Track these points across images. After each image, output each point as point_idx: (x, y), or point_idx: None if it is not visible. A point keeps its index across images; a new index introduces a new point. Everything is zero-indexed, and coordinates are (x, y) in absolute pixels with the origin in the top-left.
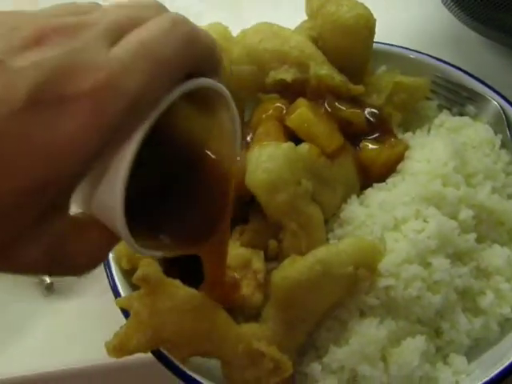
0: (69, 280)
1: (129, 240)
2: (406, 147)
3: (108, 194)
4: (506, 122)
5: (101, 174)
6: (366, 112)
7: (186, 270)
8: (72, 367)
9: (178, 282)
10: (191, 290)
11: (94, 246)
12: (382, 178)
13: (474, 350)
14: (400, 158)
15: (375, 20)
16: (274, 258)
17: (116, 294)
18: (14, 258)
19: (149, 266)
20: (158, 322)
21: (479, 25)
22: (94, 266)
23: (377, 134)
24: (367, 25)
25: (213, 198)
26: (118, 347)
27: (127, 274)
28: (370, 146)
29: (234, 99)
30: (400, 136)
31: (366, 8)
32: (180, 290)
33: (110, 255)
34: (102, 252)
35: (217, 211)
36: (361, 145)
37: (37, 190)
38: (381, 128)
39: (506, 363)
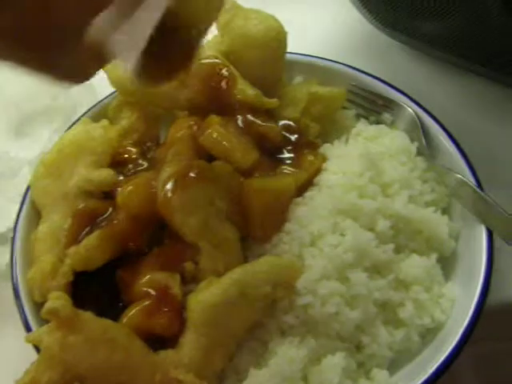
0: None
1: None
2: (324, 161)
3: None
4: (421, 129)
5: None
6: (281, 125)
7: (100, 297)
8: None
9: (89, 314)
10: (104, 321)
11: None
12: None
13: (395, 363)
14: (317, 174)
15: (286, 32)
16: (191, 280)
17: (28, 329)
18: None
19: (58, 298)
20: (70, 356)
21: (393, 31)
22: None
23: (295, 150)
24: (278, 37)
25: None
26: None
27: (41, 307)
28: (286, 170)
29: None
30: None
31: (275, 20)
32: (92, 322)
33: (21, 288)
34: None
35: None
36: (277, 170)
37: None
38: (298, 142)
39: (428, 373)
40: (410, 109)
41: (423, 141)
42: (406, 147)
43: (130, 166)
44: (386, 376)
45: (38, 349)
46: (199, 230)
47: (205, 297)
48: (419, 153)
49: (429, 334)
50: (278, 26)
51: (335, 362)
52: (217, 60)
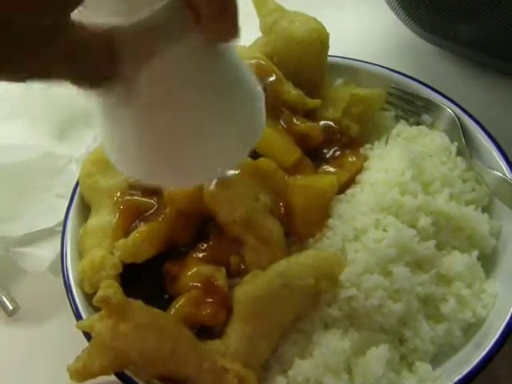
0: (32, 306)
1: None
2: (365, 160)
3: None
4: (460, 130)
5: None
6: (322, 125)
7: (147, 289)
8: None
9: (139, 302)
10: (153, 310)
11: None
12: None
13: (438, 357)
14: (358, 173)
15: (328, 34)
16: (236, 273)
17: (78, 318)
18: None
19: (109, 287)
20: (120, 343)
21: (431, 35)
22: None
23: (336, 150)
24: (320, 39)
25: None
26: (81, 371)
27: (90, 298)
28: (328, 169)
29: None
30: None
31: (318, 22)
32: (142, 310)
33: (72, 280)
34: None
35: None
36: (320, 169)
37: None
38: (339, 141)
39: (470, 367)
40: (449, 109)
41: (463, 141)
42: (446, 147)
43: None
44: (428, 369)
45: (88, 336)
46: (244, 224)
47: (251, 288)
48: (459, 152)
49: (470, 328)
50: (320, 28)
51: (379, 353)
52: (261, 61)
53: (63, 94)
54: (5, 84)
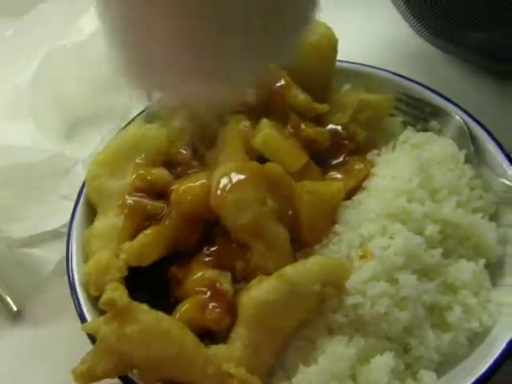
0: (36, 308)
1: None
2: (372, 166)
3: None
4: (469, 137)
5: None
6: (329, 130)
7: (152, 293)
8: None
9: (145, 306)
10: (159, 314)
11: None
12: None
13: (443, 366)
14: (365, 180)
15: (337, 39)
16: (241, 278)
17: (83, 320)
18: None
19: (115, 290)
20: (125, 346)
21: (441, 41)
22: None
23: (343, 156)
24: (329, 43)
25: None
26: (85, 373)
27: (95, 301)
28: (335, 175)
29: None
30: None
31: (327, 27)
32: (147, 314)
33: (77, 282)
34: None
35: None
36: (327, 176)
37: None
38: (346, 147)
39: (475, 377)
40: (457, 116)
41: (471, 148)
42: (453, 154)
43: (182, 166)
44: (433, 378)
45: (92, 339)
46: (251, 228)
47: (257, 293)
48: (467, 160)
49: (476, 338)
50: (329, 33)
51: (384, 361)
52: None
53: (71, 96)
54: (13, 79)
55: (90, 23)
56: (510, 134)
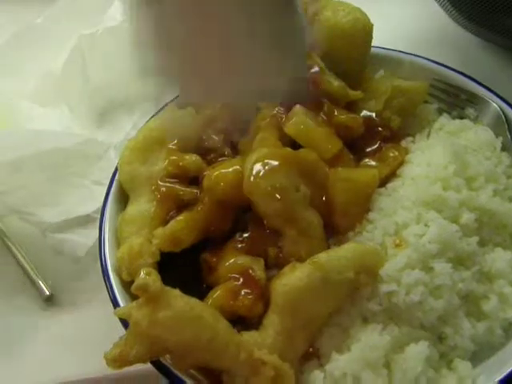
0: (68, 292)
1: None
2: (407, 154)
3: None
4: (506, 125)
5: None
6: (363, 116)
7: (184, 279)
8: (71, 380)
9: (177, 291)
10: (191, 299)
11: None
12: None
13: (478, 355)
14: (399, 167)
15: (372, 24)
16: (274, 265)
17: (115, 305)
18: None
19: (148, 275)
20: (157, 331)
21: (477, 27)
22: None
23: (377, 143)
24: (365, 29)
25: None
26: (118, 358)
27: (127, 286)
28: (370, 163)
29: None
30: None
31: (363, 13)
32: (180, 299)
33: (109, 267)
34: None
35: None
36: (361, 163)
37: None
38: (381, 134)
39: (511, 368)
40: (494, 103)
41: (508, 136)
42: (490, 142)
43: (214, 153)
44: (468, 367)
45: (125, 324)
46: (284, 215)
47: (289, 280)
48: (504, 148)
49: (511, 327)
50: (364, 18)
51: (419, 350)
52: None
53: (103, 81)
54: (46, 65)
55: (120, 10)
56: None
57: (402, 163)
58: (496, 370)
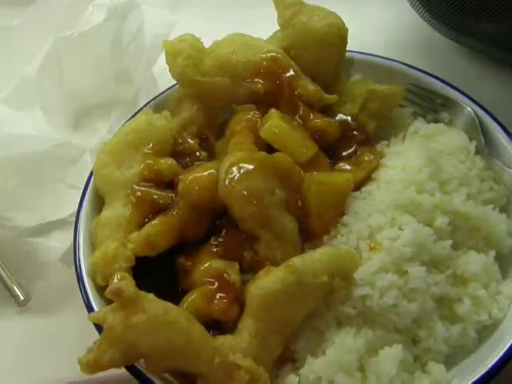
0: (43, 297)
1: None
2: (382, 157)
3: None
4: (480, 128)
5: None
6: (338, 120)
7: (159, 283)
8: None
9: (151, 296)
10: (166, 304)
11: None
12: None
13: (452, 358)
14: (374, 171)
15: (347, 29)
16: (249, 269)
17: (90, 310)
18: None
19: (122, 279)
20: (132, 336)
21: (452, 32)
22: None
23: (352, 147)
24: (339, 33)
25: None
26: (92, 363)
27: (102, 290)
28: (345, 167)
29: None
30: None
31: (337, 17)
32: (154, 304)
33: (84, 271)
34: None
35: None
36: (336, 167)
37: None
38: (356, 138)
39: (485, 370)
40: (468, 107)
41: (482, 139)
42: (464, 145)
43: (190, 156)
44: (442, 370)
45: (99, 328)
46: (259, 219)
47: (264, 284)
48: (477, 151)
49: (485, 330)
50: (339, 23)
51: (393, 353)
52: (278, 55)
53: (78, 85)
54: (21, 68)
55: (96, 13)
56: None
57: (376, 167)
58: (470, 373)
